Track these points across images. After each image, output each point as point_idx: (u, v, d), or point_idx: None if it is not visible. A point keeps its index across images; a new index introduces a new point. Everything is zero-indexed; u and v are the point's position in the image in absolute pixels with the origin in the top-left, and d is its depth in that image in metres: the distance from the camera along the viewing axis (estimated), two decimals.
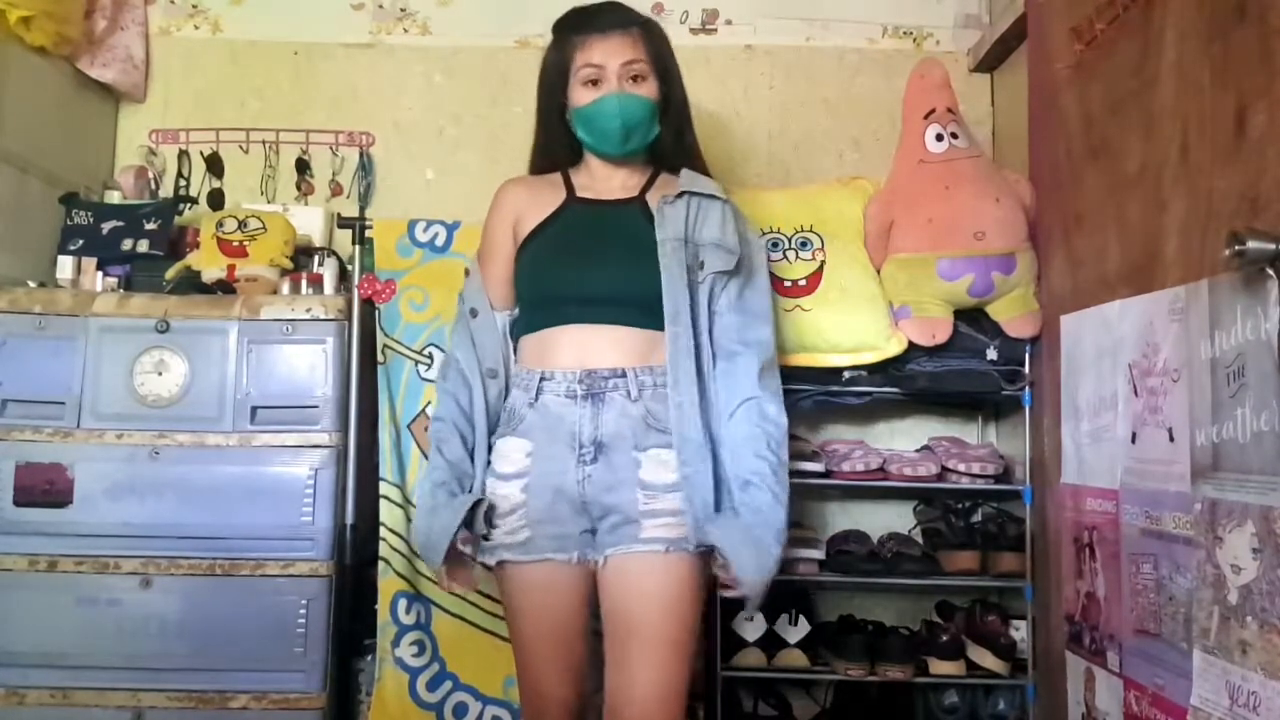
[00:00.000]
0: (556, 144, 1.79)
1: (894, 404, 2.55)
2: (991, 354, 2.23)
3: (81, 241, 2.35)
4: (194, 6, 2.78)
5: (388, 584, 2.14)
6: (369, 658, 2.15)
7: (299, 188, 2.70)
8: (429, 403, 2.20)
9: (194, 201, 2.57)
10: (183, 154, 2.70)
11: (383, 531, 2.16)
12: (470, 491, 1.67)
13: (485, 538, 1.64)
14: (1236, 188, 1.44)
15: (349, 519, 2.15)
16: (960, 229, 2.13)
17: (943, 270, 2.14)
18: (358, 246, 2.29)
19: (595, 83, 1.68)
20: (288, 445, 2.12)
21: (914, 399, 2.46)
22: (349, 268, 2.32)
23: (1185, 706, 1.52)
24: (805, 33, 2.79)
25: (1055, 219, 2.10)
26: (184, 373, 2.12)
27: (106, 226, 2.37)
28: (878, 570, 2.33)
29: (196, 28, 2.79)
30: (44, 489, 2.08)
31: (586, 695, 1.66)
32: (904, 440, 2.60)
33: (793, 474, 2.27)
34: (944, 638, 2.26)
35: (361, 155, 2.72)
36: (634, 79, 1.68)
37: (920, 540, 2.44)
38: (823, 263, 2.25)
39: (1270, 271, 1.32)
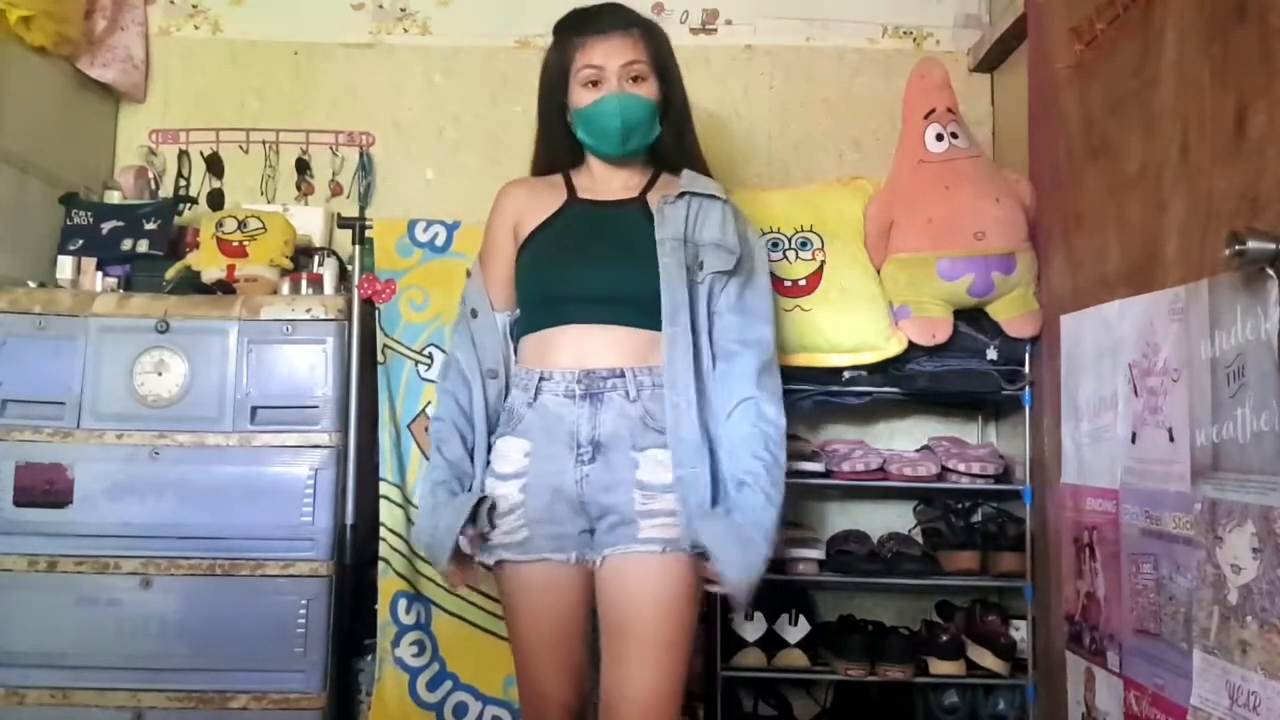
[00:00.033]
0: (558, 145, 1.79)
1: (894, 404, 2.55)
2: (991, 354, 2.23)
3: (81, 241, 2.35)
4: (194, 6, 2.79)
5: (388, 584, 2.14)
6: (369, 658, 2.15)
7: (299, 188, 2.70)
8: (429, 403, 2.20)
9: (194, 201, 2.57)
10: (183, 154, 2.70)
11: (383, 531, 2.16)
12: (470, 490, 1.67)
13: (485, 537, 1.64)
14: (1236, 188, 1.44)
15: (349, 519, 2.15)
16: (960, 229, 2.13)
17: (943, 270, 2.14)
18: (358, 246, 2.29)
19: (595, 83, 1.68)
20: (288, 445, 2.12)
21: (914, 399, 2.46)
22: (349, 268, 2.32)
23: (1185, 706, 1.52)
24: (805, 33, 2.79)
25: (1055, 219, 2.10)
26: (184, 373, 2.12)
27: (106, 226, 2.38)
28: (878, 570, 2.33)
29: (196, 28, 2.79)
30: (44, 489, 2.08)
31: (586, 695, 1.66)
32: (904, 440, 2.60)
33: (793, 474, 2.30)
34: (944, 638, 2.27)
35: (361, 155, 2.73)
36: (634, 80, 1.68)
37: (920, 540, 2.44)
38: (823, 263, 2.25)
39: (1270, 271, 1.32)
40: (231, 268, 2.24)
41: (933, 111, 2.23)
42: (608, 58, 1.67)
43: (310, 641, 2.07)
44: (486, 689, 2.14)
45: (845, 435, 2.57)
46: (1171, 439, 1.59)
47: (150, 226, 2.37)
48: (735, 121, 2.76)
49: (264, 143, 2.72)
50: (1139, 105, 1.73)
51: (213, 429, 2.11)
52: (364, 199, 2.71)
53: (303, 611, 2.07)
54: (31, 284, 2.24)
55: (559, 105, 1.75)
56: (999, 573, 2.29)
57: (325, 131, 2.72)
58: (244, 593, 2.07)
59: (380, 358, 2.22)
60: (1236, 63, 1.45)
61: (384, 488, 2.17)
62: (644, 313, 1.62)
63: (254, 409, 2.12)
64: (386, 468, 2.18)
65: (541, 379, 1.65)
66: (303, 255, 2.39)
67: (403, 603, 2.15)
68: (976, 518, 2.42)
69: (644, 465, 1.60)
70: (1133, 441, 1.72)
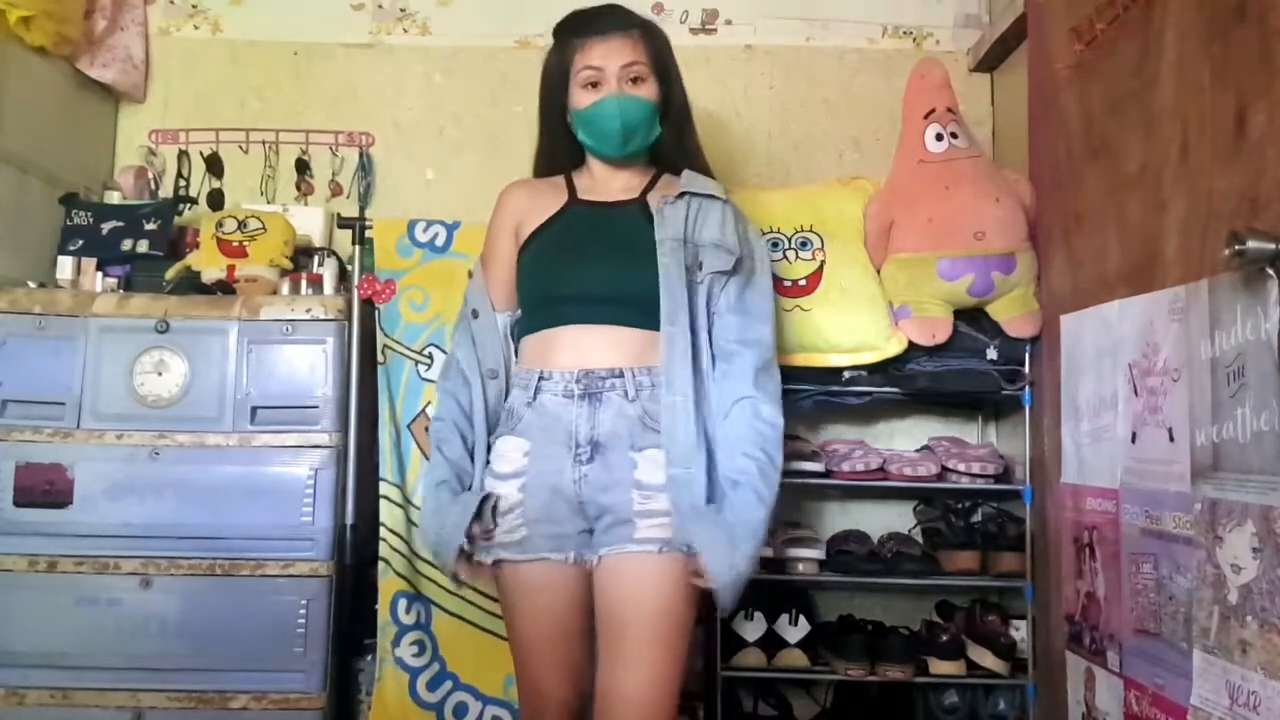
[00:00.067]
0: (559, 147, 1.79)
1: (894, 404, 2.56)
2: (991, 354, 2.23)
3: (81, 242, 2.35)
4: (194, 6, 2.79)
5: (388, 584, 2.14)
6: (369, 658, 2.15)
7: (299, 188, 2.70)
8: (429, 403, 2.20)
9: (194, 202, 2.57)
10: (183, 154, 2.70)
11: (383, 531, 2.16)
12: (472, 490, 1.68)
13: (490, 534, 1.64)
14: (1236, 188, 1.44)
15: (349, 519, 2.15)
16: (960, 229, 2.13)
17: (943, 270, 2.14)
18: (358, 246, 2.29)
19: (595, 85, 1.68)
20: (288, 445, 2.12)
21: (914, 399, 2.46)
22: (349, 268, 2.32)
23: (1185, 706, 1.52)
24: (805, 33, 2.79)
25: (1055, 219, 2.10)
26: (184, 373, 2.12)
27: (106, 227, 2.38)
28: (878, 570, 2.33)
29: (196, 28, 2.79)
30: (44, 489, 2.08)
31: (586, 695, 1.66)
32: (904, 440, 2.60)
33: (793, 474, 2.30)
34: (944, 638, 2.26)
35: (361, 155, 2.73)
36: (634, 81, 1.68)
37: (920, 540, 2.44)
38: (823, 263, 2.25)
39: (1270, 271, 1.32)
40: (231, 268, 2.24)
41: (933, 111, 2.23)
42: (607, 59, 1.68)
43: (310, 641, 2.07)
44: (486, 689, 2.14)
45: (845, 435, 2.57)
46: (1171, 439, 1.59)
47: (150, 226, 2.37)
48: (735, 121, 2.76)
49: (264, 143, 2.72)
50: (1139, 105, 1.73)
51: (213, 429, 2.11)
52: (364, 199, 2.71)
53: (303, 611, 2.07)
54: (31, 284, 2.24)
55: (559, 107, 1.75)
56: (999, 573, 2.29)
57: (325, 131, 2.72)
58: (244, 593, 2.07)
59: (380, 358, 2.22)
60: (1236, 63, 1.45)
61: (384, 488, 2.17)
62: (644, 313, 1.62)
63: (254, 409, 2.12)
64: (386, 468, 2.18)
65: (541, 379, 1.65)
66: (303, 255, 2.39)
67: (403, 603, 2.15)
68: (976, 518, 2.43)
69: (642, 465, 1.60)
70: (1133, 441, 1.72)
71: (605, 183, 1.77)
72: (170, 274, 2.29)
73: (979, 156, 2.24)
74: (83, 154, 2.61)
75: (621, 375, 1.62)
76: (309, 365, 2.14)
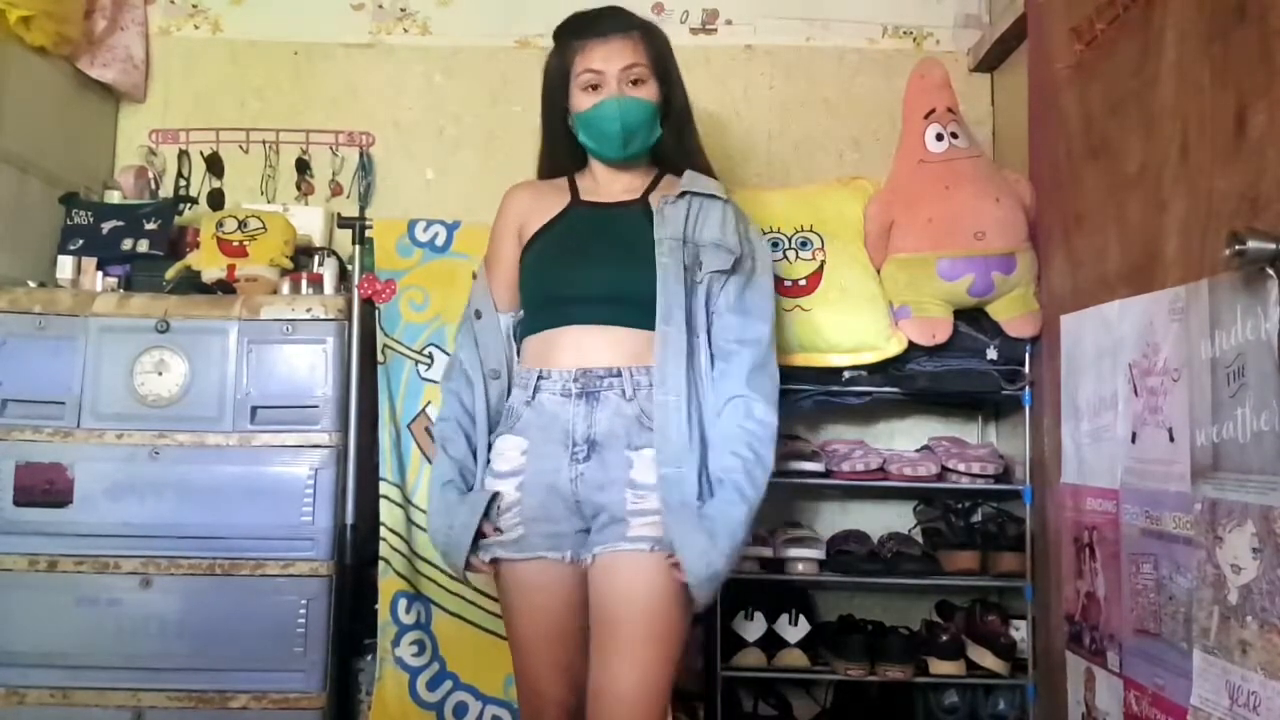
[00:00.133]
0: (561, 149, 1.79)
1: (894, 404, 2.56)
2: (991, 354, 2.23)
3: (81, 241, 2.35)
4: (194, 6, 2.79)
5: (388, 584, 2.14)
6: (369, 658, 2.15)
7: (299, 188, 2.70)
8: (429, 403, 2.20)
9: (194, 201, 2.57)
10: (183, 154, 2.70)
11: (383, 531, 2.16)
12: (474, 489, 1.69)
13: (500, 530, 1.64)
14: (1236, 188, 1.44)
15: (349, 519, 2.15)
16: (960, 229, 2.13)
17: (943, 270, 2.14)
18: (358, 246, 2.29)
19: (595, 88, 1.69)
20: (288, 445, 2.12)
21: (914, 399, 2.47)
22: (349, 268, 2.32)
23: (1185, 706, 1.52)
24: (805, 33, 2.79)
25: (1055, 219, 2.10)
26: (184, 373, 2.12)
27: (106, 226, 2.38)
28: (878, 570, 2.33)
29: (196, 28, 2.79)
30: (44, 489, 2.08)
31: (584, 695, 1.66)
32: (904, 440, 2.60)
33: (793, 474, 2.30)
34: (944, 638, 2.27)
35: (361, 155, 2.73)
36: (634, 83, 1.69)
37: (920, 540, 2.44)
38: (823, 263, 2.25)
39: (1270, 271, 1.32)
40: (231, 267, 2.24)
41: (933, 111, 2.23)
42: (607, 61, 1.68)
43: (310, 641, 2.07)
44: (486, 689, 2.14)
45: (845, 435, 2.57)
46: (1171, 439, 1.59)
47: (150, 226, 2.37)
48: (735, 121, 2.76)
49: (264, 143, 2.72)
50: (1139, 105, 1.73)
51: (213, 429, 2.11)
52: (364, 199, 2.71)
53: (303, 611, 2.07)
54: (31, 284, 2.24)
55: (561, 109, 1.75)
56: (999, 573, 2.29)
57: (325, 131, 2.72)
58: (244, 592, 2.07)
59: (380, 358, 2.22)
60: (1236, 63, 1.45)
61: (384, 487, 2.17)
62: (644, 313, 1.62)
63: (254, 409, 2.12)
64: (386, 468, 2.18)
65: (540, 378, 1.65)
66: (303, 255, 2.39)
67: (403, 602, 2.15)
68: (976, 518, 2.43)
69: (638, 464, 1.60)
70: (1133, 441, 1.72)
71: (607, 184, 1.77)
72: (170, 274, 2.29)
73: (979, 156, 2.24)
74: (83, 154, 2.61)
75: (619, 375, 1.62)
76: (309, 365, 2.14)
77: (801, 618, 2.31)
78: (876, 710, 2.39)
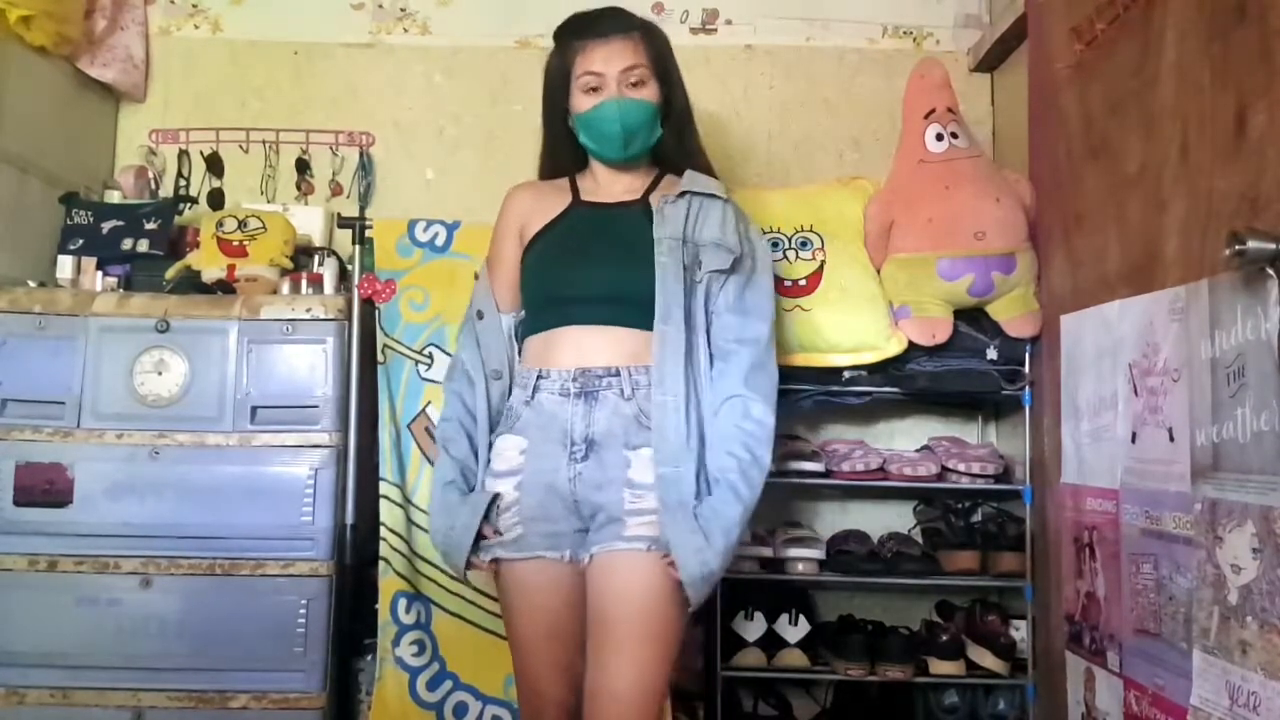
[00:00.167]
0: (562, 150, 1.80)
1: (894, 404, 2.56)
2: (991, 354, 2.23)
3: (81, 241, 2.35)
4: (194, 6, 2.79)
5: (388, 584, 2.14)
6: (369, 657, 2.15)
7: (299, 188, 2.70)
8: (429, 403, 2.20)
9: (194, 201, 2.57)
10: (183, 154, 2.70)
11: (383, 531, 2.15)
12: (475, 490, 1.69)
13: (499, 532, 1.65)
14: (1236, 188, 1.44)
15: (349, 519, 2.15)
16: (960, 229, 2.13)
17: (943, 270, 2.14)
18: (358, 246, 2.29)
19: (596, 89, 1.69)
20: (288, 445, 2.11)
21: (914, 399, 2.47)
22: (349, 268, 2.32)
23: (1185, 706, 1.52)
24: (805, 33, 2.79)
25: (1055, 219, 2.10)
26: (184, 373, 2.12)
27: (106, 226, 2.37)
28: (878, 570, 2.33)
29: (196, 28, 2.79)
30: (44, 489, 2.08)
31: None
32: (904, 440, 2.60)
33: (793, 474, 2.30)
34: (944, 638, 2.27)
35: (361, 155, 2.73)
36: (634, 85, 1.69)
37: (920, 540, 2.44)
38: (823, 263, 2.25)
39: (1270, 271, 1.32)
40: (231, 267, 2.24)
41: (933, 111, 2.23)
42: (608, 63, 1.68)
43: (310, 641, 2.07)
44: (486, 689, 2.13)
45: (845, 435, 2.57)
46: (1171, 439, 1.59)
47: (150, 226, 2.37)
48: (735, 121, 2.76)
49: (264, 143, 2.72)
50: (1139, 105, 1.73)
51: (213, 429, 2.11)
52: (364, 199, 2.71)
53: (303, 611, 2.07)
54: (31, 284, 2.24)
55: (561, 110, 1.75)
56: (999, 573, 2.29)
57: (325, 131, 2.72)
58: (244, 593, 2.07)
59: (380, 358, 2.22)
60: (1236, 63, 1.45)
61: (384, 487, 2.17)
62: (644, 313, 1.62)
63: (254, 409, 2.12)
64: (386, 468, 2.18)
65: (539, 378, 1.66)
66: (303, 255, 2.39)
67: (403, 602, 2.14)
68: (976, 518, 2.43)
69: (636, 464, 1.60)
70: (1133, 441, 1.72)
71: (608, 185, 1.77)
72: (170, 273, 2.29)
73: (979, 156, 2.24)
74: (83, 154, 2.61)
75: (618, 374, 1.62)
76: (309, 365, 2.14)
77: (801, 618, 2.31)
78: (876, 710, 2.39)
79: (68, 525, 2.07)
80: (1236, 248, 1.31)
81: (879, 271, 2.25)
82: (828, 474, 2.33)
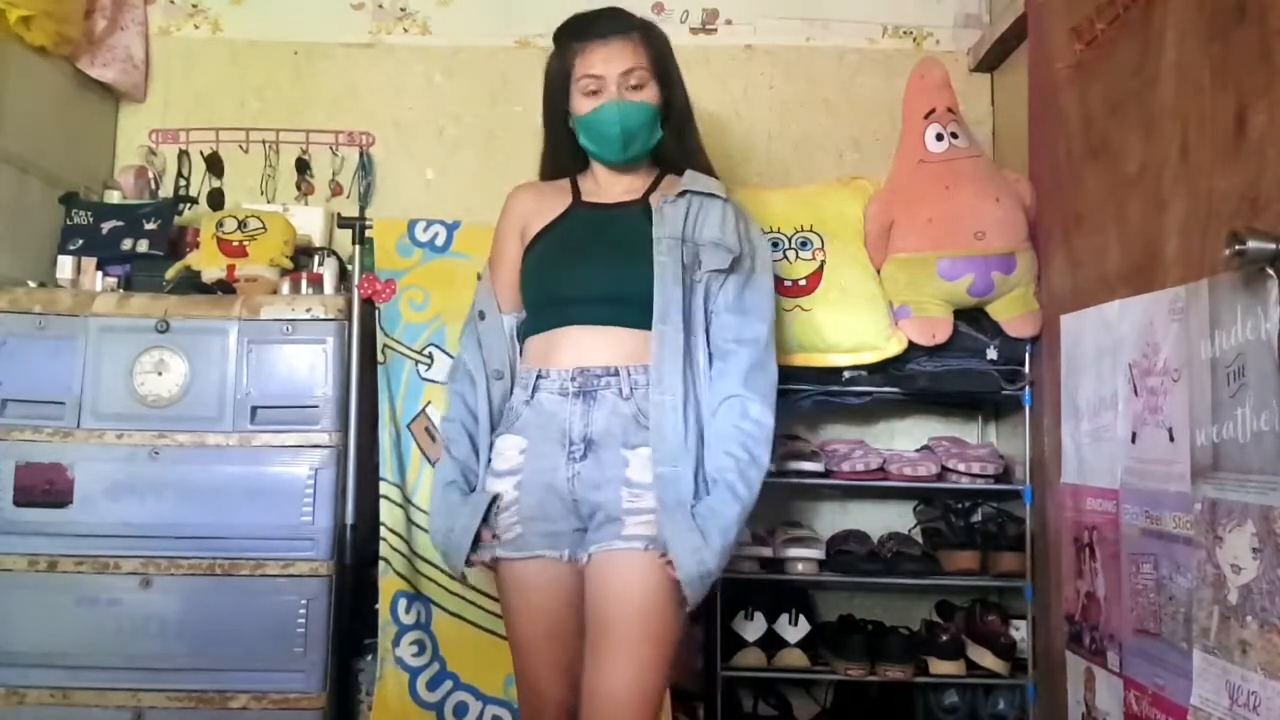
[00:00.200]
0: (563, 151, 1.80)
1: (894, 404, 2.55)
2: (991, 354, 2.23)
3: (81, 241, 2.35)
4: (194, 6, 2.79)
5: (388, 584, 2.14)
6: (369, 657, 2.15)
7: (299, 188, 2.70)
8: (429, 403, 2.20)
9: (194, 201, 2.57)
10: (183, 154, 2.70)
11: (383, 531, 2.15)
12: (477, 490, 1.69)
13: (496, 535, 1.65)
14: (1236, 188, 1.44)
15: (349, 519, 2.15)
16: (960, 229, 2.13)
17: (943, 270, 2.14)
18: (358, 246, 2.29)
19: (596, 92, 1.69)
20: (288, 445, 2.11)
21: (914, 399, 2.47)
22: (349, 268, 2.32)
23: (1185, 706, 1.52)
24: (805, 33, 2.79)
25: (1055, 219, 2.10)
26: (184, 373, 2.12)
27: (106, 226, 2.37)
28: (878, 570, 2.33)
29: (196, 28, 2.79)
30: (44, 489, 2.08)
31: None
32: (904, 440, 2.60)
33: (792, 474, 2.30)
34: (944, 637, 2.27)
35: (361, 155, 2.73)
36: (633, 88, 1.69)
37: (920, 540, 2.44)
38: (823, 263, 2.25)
39: (1270, 271, 1.32)
40: (231, 267, 2.24)
41: (933, 111, 2.23)
42: (607, 65, 1.68)
43: (310, 641, 2.07)
44: (486, 689, 2.13)
45: (845, 435, 2.57)
46: (1171, 439, 1.59)
47: (150, 226, 2.37)
48: (735, 121, 2.76)
49: (264, 143, 2.72)
50: (1139, 105, 1.73)
51: (213, 429, 2.11)
52: (364, 199, 2.71)
53: (303, 611, 2.07)
54: (31, 284, 2.24)
55: (562, 112, 1.75)
56: (999, 573, 2.29)
57: (325, 131, 2.72)
58: (244, 593, 2.07)
59: (380, 358, 2.22)
60: (1236, 63, 1.45)
61: (384, 487, 2.17)
62: (643, 313, 1.62)
63: (254, 409, 2.12)
64: (386, 468, 2.18)
65: (539, 377, 1.66)
66: (303, 255, 2.39)
67: (403, 602, 2.14)
68: (976, 518, 2.43)
69: (634, 463, 1.60)
70: (1133, 441, 1.72)
71: (609, 185, 1.77)
72: (170, 274, 2.29)
73: (979, 156, 2.24)
74: (83, 154, 2.61)
75: (617, 374, 1.62)
76: (309, 365, 2.14)
77: (801, 618, 2.31)
78: (876, 710, 2.39)
79: (68, 525, 2.07)
80: (1236, 248, 1.31)
81: (879, 271, 2.25)
82: (827, 474, 2.33)
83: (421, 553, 2.16)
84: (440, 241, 2.27)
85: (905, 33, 2.79)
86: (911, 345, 2.20)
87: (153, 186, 2.62)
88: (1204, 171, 1.53)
